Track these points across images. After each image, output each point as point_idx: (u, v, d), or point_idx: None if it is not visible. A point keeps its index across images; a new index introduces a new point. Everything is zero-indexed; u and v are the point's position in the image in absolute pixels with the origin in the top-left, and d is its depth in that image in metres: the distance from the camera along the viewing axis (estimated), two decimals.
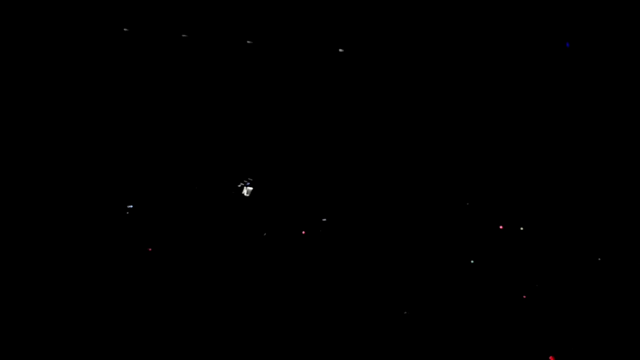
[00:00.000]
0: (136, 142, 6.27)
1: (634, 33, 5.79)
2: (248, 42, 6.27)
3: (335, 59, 7.01)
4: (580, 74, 6.44)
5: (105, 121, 5.96)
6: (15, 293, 5.03)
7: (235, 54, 6.36)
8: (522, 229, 6.44)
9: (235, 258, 6.00)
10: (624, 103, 6.05)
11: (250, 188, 6.35)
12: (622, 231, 6.06)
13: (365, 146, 7.54)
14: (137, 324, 4.97)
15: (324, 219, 6.99)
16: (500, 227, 6.43)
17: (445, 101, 7.46)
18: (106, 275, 5.44)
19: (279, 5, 6.17)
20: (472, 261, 6.19)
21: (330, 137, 7.37)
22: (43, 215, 5.66)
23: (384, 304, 5.25)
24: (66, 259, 5.48)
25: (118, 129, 6.06)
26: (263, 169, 6.81)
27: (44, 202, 5.68)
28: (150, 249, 6.00)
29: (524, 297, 5.24)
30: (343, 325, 4.95)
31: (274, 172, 7.00)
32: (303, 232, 6.40)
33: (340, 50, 6.68)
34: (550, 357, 4.36)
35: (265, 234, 6.25)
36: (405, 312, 5.08)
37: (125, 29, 5.51)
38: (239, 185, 6.32)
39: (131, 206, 5.90)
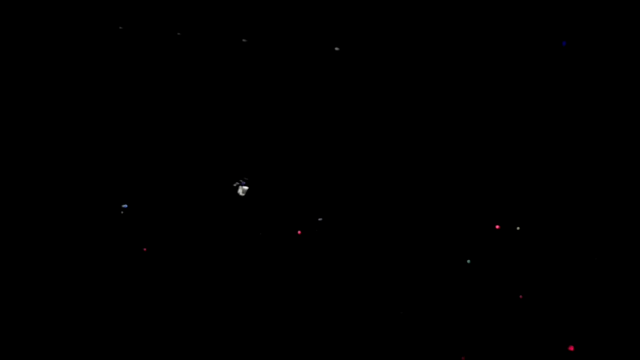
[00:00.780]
0: (130, 142, 6.24)
1: (634, 33, 5.79)
2: (243, 40, 6.25)
3: (330, 57, 7.00)
4: (578, 73, 6.43)
5: (98, 120, 5.93)
6: (11, 293, 5.00)
7: (227, 53, 6.34)
8: (518, 228, 6.43)
9: (231, 258, 5.98)
10: (623, 103, 6.04)
11: (246, 187, 6.32)
12: (620, 230, 6.05)
13: (361, 145, 7.53)
14: (133, 324, 4.94)
15: (320, 219, 6.97)
16: (497, 226, 6.42)
17: (441, 102, 7.45)
18: (101, 275, 5.41)
19: (275, 4, 6.14)
20: (468, 261, 6.19)
21: (326, 136, 7.35)
22: (38, 215, 5.63)
23: (380, 304, 5.23)
24: (60, 258, 5.45)
25: (112, 128, 6.03)
26: (258, 168, 6.79)
27: (39, 202, 5.65)
28: (145, 249, 5.98)
29: (520, 297, 5.24)
30: (339, 326, 4.93)
31: (270, 172, 6.98)
32: (299, 232, 6.37)
33: (336, 48, 6.67)
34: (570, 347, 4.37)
35: (260, 234, 6.23)
36: (402, 312, 5.07)
37: (120, 27, 5.48)
38: (234, 185, 6.30)
39: (125, 206, 5.86)
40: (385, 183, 7.58)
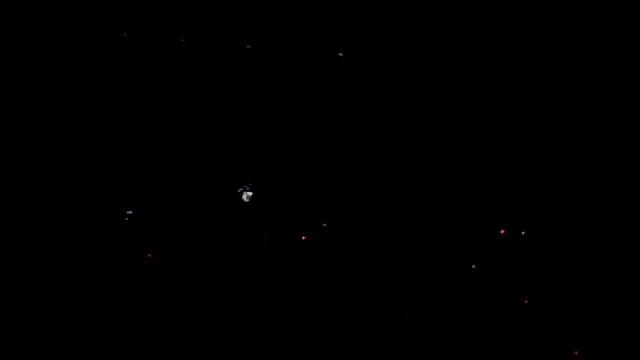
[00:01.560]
0: (136, 149, 6.26)
1: (634, 33, 5.77)
2: (247, 46, 6.26)
3: (333, 64, 7.00)
4: (578, 77, 6.41)
5: (103, 127, 5.95)
6: (15, 297, 5.01)
7: (233, 60, 6.36)
8: (523, 233, 6.42)
9: (236, 263, 5.98)
10: (621, 109, 6.03)
11: (250, 193, 6.33)
12: (624, 236, 6.03)
13: (365, 152, 7.53)
14: (137, 328, 4.95)
15: (324, 224, 6.97)
16: (502, 231, 6.40)
17: (443, 107, 7.44)
18: (106, 280, 5.42)
19: (278, 8, 6.16)
20: (473, 266, 6.17)
21: (329, 143, 7.36)
22: (43, 221, 5.64)
23: (385, 309, 5.23)
24: (66, 264, 5.46)
25: (117, 135, 6.05)
26: (263, 174, 6.79)
27: (44, 207, 5.66)
28: (149, 255, 5.98)
29: (526, 302, 5.23)
30: (344, 329, 4.93)
31: (274, 178, 6.98)
32: (303, 238, 6.37)
33: (340, 54, 6.68)
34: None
35: (265, 240, 6.23)
36: (407, 317, 5.06)
37: (125, 34, 5.50)
38: (239, 191, 6.30)
39: (130, 212, 5.88)
40: (390, 189, 7.57)
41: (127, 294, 5.30)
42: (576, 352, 4.36)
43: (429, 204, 7.59)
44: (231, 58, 6.34)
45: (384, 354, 4.67)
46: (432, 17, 6.75)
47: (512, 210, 6.86)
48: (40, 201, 5.67)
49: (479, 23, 6.66)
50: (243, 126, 6.66)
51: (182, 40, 5.85)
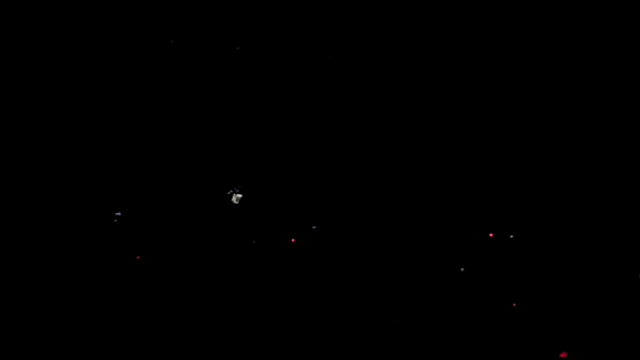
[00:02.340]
0: (124, 149, 6.25)
1: (634, 33, 5.79)
2: (237, 48, 6.26)
3: (322, 66, 7.01)
4: (572, 79, 6.43)
5: (92, 128, 5.93)
6: (5, 299, 4.98)
7: (221, 62, 6.36)
8: (511, 236, 6.43)
9: (224, 266, 5.96)
10: (615, 117, 6.06)
11: (240, 195, 6.32)
12: (612, 239, 6.06)
13: (355, 154, 7.54)
14: (126, 331, 4.92)
15: (314, 227, 6.97)
16: (490, 234, 6.42)
17: (433, 111, 7.46)
18: (94, 282, 5.39)
19: (269, 9, 6.16)
20: (462, 269, 6.18)
21: (318, 145, 7.36)
22: (31, 222, 5.62)
23: (375, 312, 5.23)
24: (54, 266, 5.44)
25: (106, 136, 6.03)
26: (252, 176, 6.78)
27: (32, 208, 5.64)
28: (138, 257, 5.97)
29: (514, 305, 5.24)
30: (334, 333, 4.92)
31: (263, 180, 6.97)
32: (292, 240, 6.36)
33: (329, 56, 6.69)
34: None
35: (254, 242, 6.22)
36: (395, 320, 5.06)
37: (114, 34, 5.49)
38: (228, 193, 6.29)
39: (119, 214, 5.86)
40: (378, 192, 7.57)
41: (115, 296, 5.28)
42: (564, 354, 4.38)
43: (417, 208, 7.60)
44: (216, 61, 6.35)
45: (374, 355, 4.67)
46: (432, 17, 6.77)
47: (500, 213, 6.88)
48: (26, 202, 5.64)
49: (479, 23, 6.68)
50: (232, 127, 6.66)
51: (172, 41, 5.84)
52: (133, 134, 6.03)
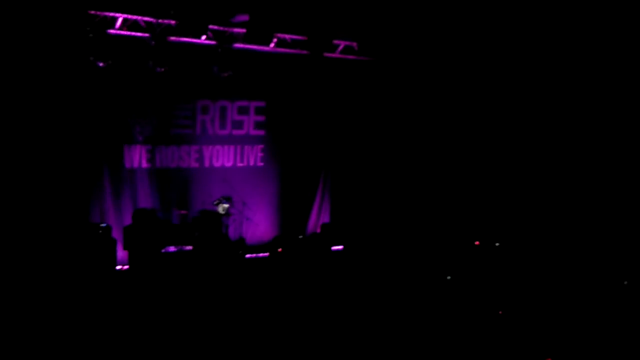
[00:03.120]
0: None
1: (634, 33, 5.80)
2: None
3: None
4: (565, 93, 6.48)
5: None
6: None
7: None
8: (497, 244, 6.48)
9: (211, 277, 5.96)
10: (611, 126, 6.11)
11: (227, 205, 6.32)
12: (598, 245, 6.11)
13: (345, 158, 7.58)
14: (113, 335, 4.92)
15: (300, 236, 6.99)
16: (476, 242, 6.46)
17: (426, 116, 7.50)
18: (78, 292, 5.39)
19: None
20: (448, 277, 6.21)
21: (306, 151, 7.38)
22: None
23: (363, 320, 5.26)
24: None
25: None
26: (239, 185, 6.78)
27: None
28: (124, 267, 5.96)
29: (500, 312, 5.29)
30: (324, 338, 4.94)
31: (250, 189, 6.96)
32: (279, 250, 6.38)
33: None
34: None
35: (240, 252, 6.23)
36: (385, 327, 5.09)
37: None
38: (214, 203, 6.28)
39: (104, 225, 5.84)
40: (367, 201, 7.61)
41: (100, 308, 5.28)
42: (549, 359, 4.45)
43: (404, 218, 7.64)
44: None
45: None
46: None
47: (485, 222, 6.92)
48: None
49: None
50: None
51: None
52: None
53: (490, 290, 5.78)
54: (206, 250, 6.05)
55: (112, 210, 6.15)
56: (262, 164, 6.95)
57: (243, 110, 6.83)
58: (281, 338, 4.95)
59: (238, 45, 6.33)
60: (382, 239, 7.41)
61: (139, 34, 5.89)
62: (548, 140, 6.64)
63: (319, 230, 6.51)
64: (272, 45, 6.53)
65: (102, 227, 5.55)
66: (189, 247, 6.08)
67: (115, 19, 5.75)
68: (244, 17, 5.87)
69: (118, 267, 5.80)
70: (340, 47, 6.89)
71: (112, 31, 5.73)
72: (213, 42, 6.24)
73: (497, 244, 6.55)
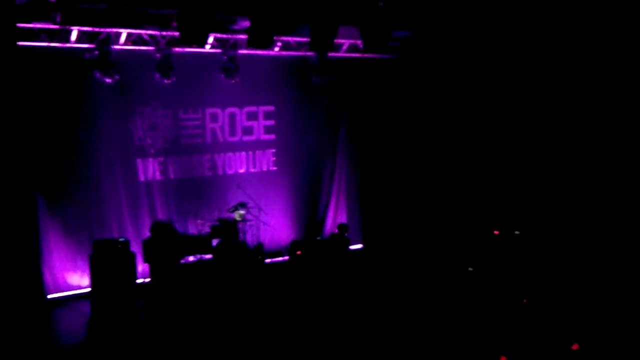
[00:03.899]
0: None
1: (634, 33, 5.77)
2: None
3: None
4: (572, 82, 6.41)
5: None
6: None
7: None
8: (517, 232, 6.42)
9: (233, 285, 5.96)
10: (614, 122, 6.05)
11: (243, 211, 6.32)
12: (616, 232, 6.05)
13: (360, 152, 7.56)
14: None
15: (318, 238, 6.97)
16: (496, 232, 6.42)
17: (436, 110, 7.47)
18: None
19: None
20: (470, 269, 6.18)
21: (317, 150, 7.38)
22: None
23: (382, 313, 5.25)
24: None
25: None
26: (253, 190, 6.77)
27: None
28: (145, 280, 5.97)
29: (525, 300, 5.25)
30: (341, 333, 4.94)
31: (264, 194, 6.96)
32: (299, 253, 6.37)
33: None
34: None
35: (260, 257, 6.22)
36: (404, 322, 5.07)
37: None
38: (230, 210, 6.29)
39: (122, 239, 5.84)
40: (383, 197, 7.59)
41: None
42: (576, 346, 4.38)
43: (421, 211, 7.61)
44: None
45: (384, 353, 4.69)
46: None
47: (503, 211, 6.87)
48: None
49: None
50: None
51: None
52: None
53: (513, 279, 5.74)
54: (226, 258, 6.05)
55: (130, 224, 6.19)
56: (275, 168, 6.97)
57: (252, 116, 6.85)
58: (307, 341, 4.95)
59: (242, 51, 6.37)
60: (401, 234, 7.40)
61: (143, 47, 5.93)
62: (562, 127, 6.58)
63: (336, 231, 6.49)
64: (276, 49, 6.54)
65: (121, 241, 5.57)
66: (209, 256, 6.10)
67: (119, 35, 5.79)
68: (246, 23, 5.87)
69: (139, 281, 5.83)
70: (345, 47, 6.90)
71: (116, 47, 5.75)
72: (218, 50, 6.30)
73: (517, 233, 6.49)
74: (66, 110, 5.77)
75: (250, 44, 5.84)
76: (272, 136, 6.95)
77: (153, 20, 5.80)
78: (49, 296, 5.82)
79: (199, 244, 6.09)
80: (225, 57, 6.29)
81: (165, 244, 5.92)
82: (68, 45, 5.59)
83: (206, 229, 6.17)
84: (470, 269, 6.10)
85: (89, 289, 5.58)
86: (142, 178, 6.27)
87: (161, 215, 6.32)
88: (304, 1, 5.86)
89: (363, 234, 7.49)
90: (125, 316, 5.27)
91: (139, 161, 6.23)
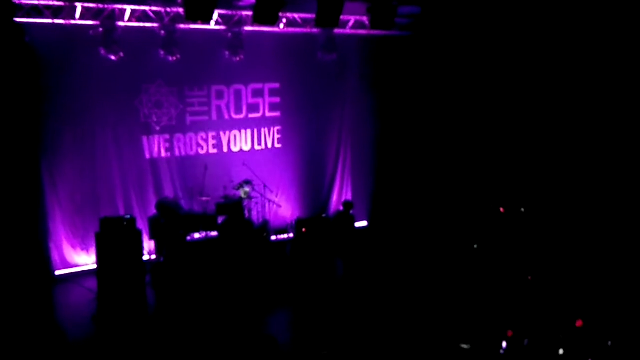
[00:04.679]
0: None
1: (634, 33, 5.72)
2: None
3: None
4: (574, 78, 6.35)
5: None
6: None
7: None
8: (522, 210, 6.41)
9: (239, 262, 5.97)
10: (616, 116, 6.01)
11: (248, 189, 6.32)
12: (621, 214, 6.03)
13: (365, 142, 7.55)
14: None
15: (324, 215, 6.98)
16: (501, 209, 6.40)
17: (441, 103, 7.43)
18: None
19: None
20: (475, 246, 6.18)
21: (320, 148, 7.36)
22: None
23: (390, 295, 5.27)
24: None
25: None
26: (259, 168, 6.76)
27: None
28: (153, 256, 5.97)
29: (529, 278, 5.26)
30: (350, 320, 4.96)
31: (270, 171, 6.95)
32: (304, 230, 6.37)
33: None
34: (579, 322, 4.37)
35: (265, 235, 6.22)
36: (410, 304, 5.09)
37: None
38: (235, 188, 6.30)
39: (128, 216, 5.85)
40: (388, 174, 7.58)
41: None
42: (580, 323, 4.40)
43: (426, 188, 7.61)
44: None
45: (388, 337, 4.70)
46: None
47: (508, 188, 6.85)
48: None
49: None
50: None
51: None
52: None
53: (518, 256, 5.74)
54: (231, 235, 6.06)
55: (136, 201, 6.22)
56: (280, 145, 6.97)
57: (258, 93, 6.84)
58: (311, 319, 4.97)
59: (248, 28, 6.33)
60: (406, 212, 7.40)
61: (148, 24, 5.91)
62: (569, 107, 6.53)
63: (341, 208, 6.50)
64: (282, 26, 6.50)
65: (127, 219, 5.61)
66: (214, 234, 6.11)
67: (123, 12, 5.75)
68: (251, 0, 5.83)
69: (145, 258, 5.84)
70: (351, 23, 6.85)
71: (121, 24, 5.71)
72: (223, 27, 6.26)
73: (522, 210, 6.48)
74: (71, 88, 5.74)
75: (255, 21, 5.80)
76: (278, 113, 6.95)
77: None
78: (56, 272, 5.89)
79: (205, 221, 6.11)
80: (230, 34, 6.26)
81: (170, 221, 5.94)
82: (72, 22, 5.53)
83: (211, 207, 6.20)
84: (475, 246, 6.11)
85: (95, 266, 5.62)
86: (147, 155, 6.29)
87: (167, 193, 6.35)
88: None
89: (368, 211, 7.50)
90: (131, 293, 5.30)
91: (144, 138, 6.24)
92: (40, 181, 5.78)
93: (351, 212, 6.41)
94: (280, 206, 6.85)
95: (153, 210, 6.11)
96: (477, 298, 5.08)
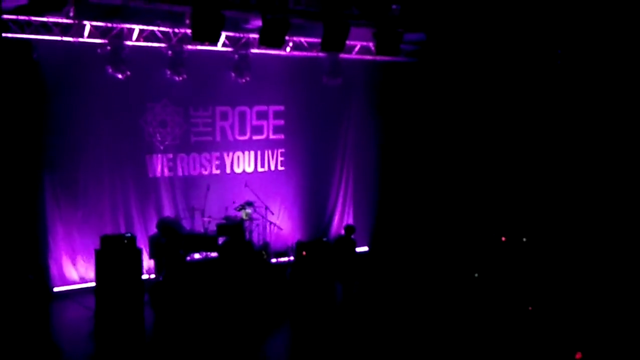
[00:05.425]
0: None
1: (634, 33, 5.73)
2: None
3: None
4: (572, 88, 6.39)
5: None
6: None
7: None
8: (524, 240, 6.39)
9: (238, 283, 5.95)
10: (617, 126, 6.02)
11: (249, 210, 6.33)
12: (619, 239, 6.01)
13: (367, 157, 7.55)
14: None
15: (324, 239, 6.96)
16: (503, 238, 6.39)
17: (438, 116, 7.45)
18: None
19: None
20: (476, 275, 6.15)
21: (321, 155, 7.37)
22: None
23: (388, 320, 5.25)
24: None
25: None
26: (261, 190, 6.76)
27: None
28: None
29: (530, 308, 5.24)
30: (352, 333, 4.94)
31: (272, 193, 6.95)
32: (304, 253, 6.35)
33: None
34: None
35: (265, 257, 6.20)
36: (412, 328, 5.07)
37: None
38: (237, 209, 6.29)
39: (129, 235, 5.84)
40: (390, 200, 7.57)
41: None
42: (579, 355, 4.37)
43: (428, 215, 7.59)
44: None
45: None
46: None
47: (511, 217, 6.84)
48: None
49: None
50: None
51: None
52: None
53: (519, 286, 5.72)
54: (231, 256, 6.04)
55: (137, 219, 6.23)
56: (283, 168, 6.99)
57: (262, 115, 6.87)
58: (310, 341, 4.95)
59: (254, 50, 6.38)
60: (408, 238, 7.38)
61: (155, 44, 5.96)
62: (568, 135, 6.55)
63: (343, 232, 6.49)
64: (288, 49, 6.54)
65: (127, 237, 5.60)
66: (214, 254, 6.10)
67: (131, 31, 5.80)
68: (258, 22, 5.87)
69: (145, 277, 5.82)
70: (357, 48, 6.89)
71: (128, 43, 5.76)
72: (229, 49, 6.31)
73: (524, 240, 6.46)
74: (77, 104, 5.77)
75: (262, 43, 5.85)
76: (281, 136, 6.97)
77: (166, 17, 5.83)
78: (55, 289, 5.87)
79: (205, 241, 6.09)
80: (236, 56, 6.31)
81: (171, 241, 5.92)
82: (81, 39, 5.57)
83: (212, 227, 6.19)
84: (476, 274, 6.08)
85: (94, 284, 5.60)
86: (150, 174, 6.30)
87: (168, 212, 6.35)
88: (317, 1, 5.86)
89: (369, 236, 7.49)
90: (129, 312, 5.28)
91: (148, 157, 6.27)
92: (43, 196, 5.80)
93: (352, 237, 6.40)
94: (282, 229, 6.83)
95: (154, 229, 6.11)
96: (476, 327, 5.05)
